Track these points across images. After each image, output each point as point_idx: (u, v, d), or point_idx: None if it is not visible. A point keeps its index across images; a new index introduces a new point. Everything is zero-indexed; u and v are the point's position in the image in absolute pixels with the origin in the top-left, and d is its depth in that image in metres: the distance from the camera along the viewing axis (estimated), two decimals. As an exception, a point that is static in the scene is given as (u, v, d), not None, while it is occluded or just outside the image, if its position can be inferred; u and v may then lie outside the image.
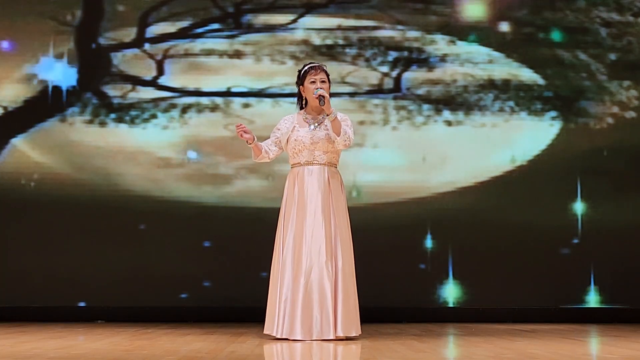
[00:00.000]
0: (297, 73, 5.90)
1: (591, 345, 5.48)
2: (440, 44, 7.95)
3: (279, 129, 5.85)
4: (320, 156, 5.76)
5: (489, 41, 7.97)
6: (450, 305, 7.72)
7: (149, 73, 7.85)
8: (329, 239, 5.64)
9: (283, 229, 5.72)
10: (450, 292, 7.74)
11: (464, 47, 7.95)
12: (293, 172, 5.81)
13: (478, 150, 7.85)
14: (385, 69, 7.92)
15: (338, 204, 5.73)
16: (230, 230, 7.67)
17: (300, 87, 5.85)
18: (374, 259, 7.52)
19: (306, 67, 5.83)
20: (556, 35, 7.92)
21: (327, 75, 5.83)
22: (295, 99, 5.99)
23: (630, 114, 7.97)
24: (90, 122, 7.79)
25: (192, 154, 7.78)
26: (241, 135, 5.71)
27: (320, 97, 5.63)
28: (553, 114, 7.94)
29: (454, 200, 7.81)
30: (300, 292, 5.53)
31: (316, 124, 5.79)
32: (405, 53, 7.94)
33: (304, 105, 5.88)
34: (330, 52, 7.89)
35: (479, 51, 7.95)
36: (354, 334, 5.62)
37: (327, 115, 5.67)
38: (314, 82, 5.76)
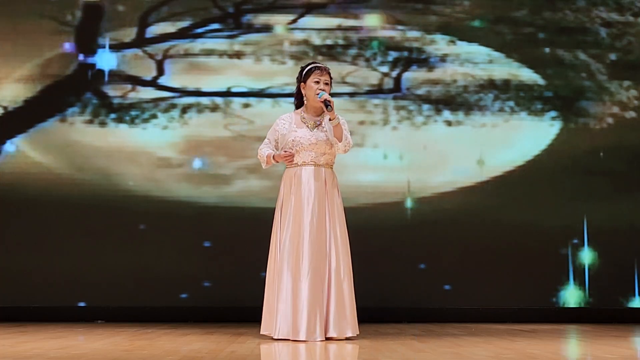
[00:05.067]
0: (299, 70, 5.87)
1: (591, 345, 5.48)
2: (440, 44, 7.95)
3: (277, 130, 5.81)
4: (318, 158, 5.74)
5: (489, 41, 7.97)
6: (450, 305, 7.71)
7: (149, 73, 7.85)
8: (325, 239, 5.64)
9: (280, 229, 5.71)
10: (451, 292, 7.74)
11: (464, 47, 7.95)
12: (289, 172, 5.79)
13: (478, 150, 7.85)
14: (385, 69, 7.92)
15: (334, 205, 5.73)
16: (230, 230, 7.67)
17: (302, 84, 5.81)
18: (373, 259, 7.52)
19: (311, 66, 5.79)
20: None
21: (331, 79, 5.82)
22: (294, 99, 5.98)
23: (630, 114, 7.97)
24: (90, 122, 7.79)
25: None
26: (289, 161, 5.72)
27: (327, 103, 5.61)
28: (553, 114, 7.94)
29: (454, 200, 7.81)
30: (301, 294, 5.52)
31: (315, 126, 5.77)
32: (405, 53, 7.94)
33: (303, 102, 5.84)
34: (330, 52, 7.89)
35: (479, 51, 7.95)
36: (351, 335, 5.61)
37: (331, 119, 5.65)
38: (318, 82, 5.73)
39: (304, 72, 5.80)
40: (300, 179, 5.71)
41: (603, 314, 7.70)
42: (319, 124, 5.77)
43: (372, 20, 7.94)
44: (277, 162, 5.78)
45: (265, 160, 5.80)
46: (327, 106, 5.61)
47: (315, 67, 5.79)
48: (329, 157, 5.79)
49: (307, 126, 5.76)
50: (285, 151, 5.72)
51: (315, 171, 5.72)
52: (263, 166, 5.87)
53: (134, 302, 7.59)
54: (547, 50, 7.98)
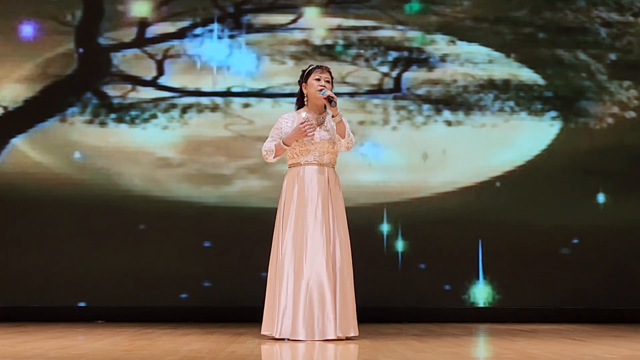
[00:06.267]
0: (300, 72, 5.87)
1: (591, 345, 5.48)
2: (440, 44, 7.95)
3: (280, 128, 5.80)
4: (321, 157, 5.74)
5: (489, 41, 7.97)
6: (450, 305, 7.71)
7: (149, 73, 7.85)
8: (328, 239, 5.63)
9: (282, 228, 5.71)
10: (451, 292, 7.74)
11: (464, 47, 7.95)
12: (292, 171, 5.78)
13: (478, 150, 7.85)
14: (385, 69, 7.92)
15: (337, 205, 5.73)
16: (230, 230, 7.67)
17: (303, 84, 5.81)
18: (373, 259, 7.52)
19: (312, 66, 5.82)
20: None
21: (332, 78, 5.82)
22: (294, 99, 5.98)
23: (630, 114, 7.97)
24: (90, 122, 7.79)
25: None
26: (305, 134, 5.65)
27: (330, 99, 5.61)
28: (553, 114, 7.94)
29: (454, 200, 7.81)
30: (302, 293, 5.52)
31: (317, 125, 5.76)
32: (405, 53, 7.94)
33: (304, 103, 5.85)
34: (330, 52, 7.89)
35: (479, 51, 7.95)
36: (352, 334, 5.61)
37: (333, 116, 5.65)
38: (318, 79, 5.74)
39: (305, 73, 5.82)
40: (303, 178, 5.70)
41: (603, 314, 7.69)
42: (322, 123, 5.78)
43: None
44: (288, 145, 5.73)
45: (274, 151, 5.73)
46: (330, 102, 5.62)
47: (316, 66, 5.82)
48: (332, 156, 5.79)
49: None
50: (301, 123, 5.67)
51: (318, 170, 5.72)
52: (270, 158, 5.76)
53: (134, 302, 7.60)
54: (547, 50, 7.98)
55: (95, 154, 7.75)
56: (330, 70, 5.85)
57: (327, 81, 5.76)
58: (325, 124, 5.78)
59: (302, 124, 5.65)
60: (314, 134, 5.67)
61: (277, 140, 5.75)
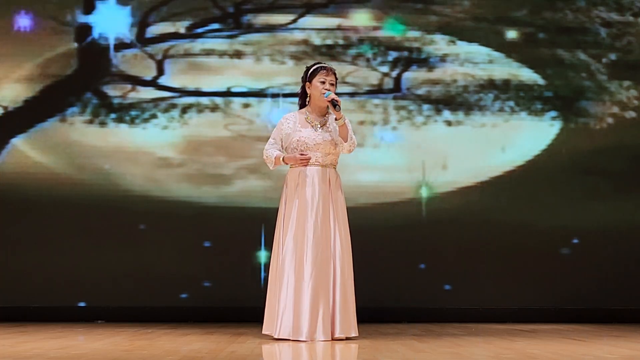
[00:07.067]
0: (304, 69, 5.83)
1: (591, 345, 5.48)
2: (440, 44, 7.95)
3: (282, 129, 5.80)
4: (322, 158, 5.73)
5: (489, 41, 7.97)
6: (450, 305, 7.71)
7: (149, 73, 7.85)
8: (328, 240, 5.64)
9: (283, 229, 5.71)
10: (451, 292, 7.74)
11: (464, 47, 7.95)
12: (293, 172, 5.77)
13: (478, 150, 7.85)
14: (385, 69, 7.92)
15: (338, 206, 5.72)
16: (230, 230, 7.67)
17: (307, 83, 5.79)
18: (374, 259, 7.52)
19: (317, 66, 5.78)
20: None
21: (336, 79, 5.80)
22: (296, 99, 5.97)
23: (630, 114, 7.97)
24: (90, 122, 7.79)
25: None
26: (305, 164, 5.69)
27: (335, 102, 5.60)
28: (553, 114, 7.94)
29: (454, 200, 7.81)
30: (303, 293, 5.52)
31: (319, 126, 5.76)
32: (405, 53, 7.94)
33: (306, 103, 5.83)
34: (330, 52, 7.89)
35: (479, 51, 7.95)
36: (352, 334, 5.62)
37: (337, 119, 5.65)
38: (324, 82, 5.71)
39: (310, 72, 5.78)
40: (305, 179, 5.70)
41: (603, 314, 7.69)
42: (324, 124, 5.76)
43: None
44: (287, 163, 5.75)
45: (273, 162, 5.75)
46: (335, 106, 5.60)
47: (321, 67, 5.77)
48: (334, 157, 5.79)
49: (312, 126, 5.75)
50: (301, 153, 5.68)
51: (320, 171, 5.71)
52: (270, 167, 5.82)
53: (134, 302, 7.60)
54: (547, 50, 7.98)
55: (95, 154, 7.75)
56: (335, 71, 5.82)
57: (332, 84, 5.73)
58: (327, 125, 5.77)
59: (302, 156, 5.65)
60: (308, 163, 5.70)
61: (277, 145, 5.77)
